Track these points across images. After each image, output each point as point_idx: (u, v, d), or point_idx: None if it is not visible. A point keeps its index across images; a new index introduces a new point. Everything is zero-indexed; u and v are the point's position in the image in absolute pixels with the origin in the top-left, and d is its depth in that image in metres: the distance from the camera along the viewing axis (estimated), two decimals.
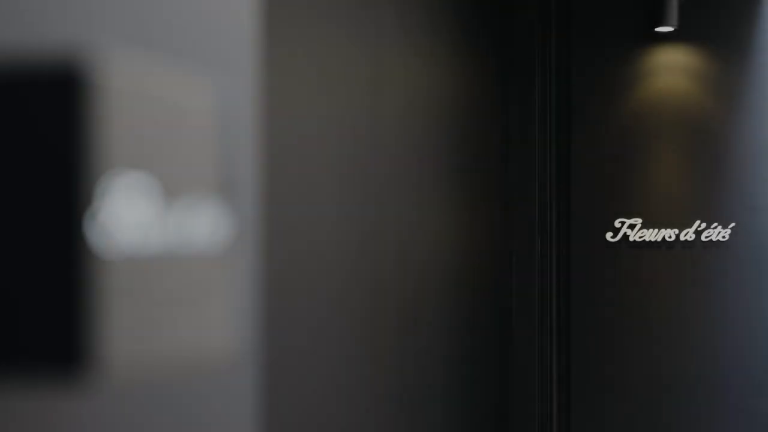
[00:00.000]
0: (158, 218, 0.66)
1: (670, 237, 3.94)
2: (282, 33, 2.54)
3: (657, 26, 3.90)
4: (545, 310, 3.99)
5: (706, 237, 3.87)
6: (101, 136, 0.61)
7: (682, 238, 3.93)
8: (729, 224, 3.90)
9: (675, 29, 3.92)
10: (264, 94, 2.38)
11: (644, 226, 3.87)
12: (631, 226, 3.85)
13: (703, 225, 3.84)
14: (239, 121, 0.91)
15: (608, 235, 3.95)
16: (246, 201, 0.94)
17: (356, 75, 2.89)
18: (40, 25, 0.70)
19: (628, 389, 3.96)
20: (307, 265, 2.66)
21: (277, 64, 2.49)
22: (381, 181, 2.98)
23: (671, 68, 3.98)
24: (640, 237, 3.94)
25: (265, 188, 2.42)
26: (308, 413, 2.69)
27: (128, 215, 0.63)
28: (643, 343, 3.94)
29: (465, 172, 3.52)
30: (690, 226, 3.90)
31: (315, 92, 2.71)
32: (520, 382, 3.94)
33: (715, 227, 3.84)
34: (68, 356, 0.60)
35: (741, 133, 3.94)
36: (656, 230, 3.90)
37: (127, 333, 0.64)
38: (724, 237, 3.87)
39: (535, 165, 3.99)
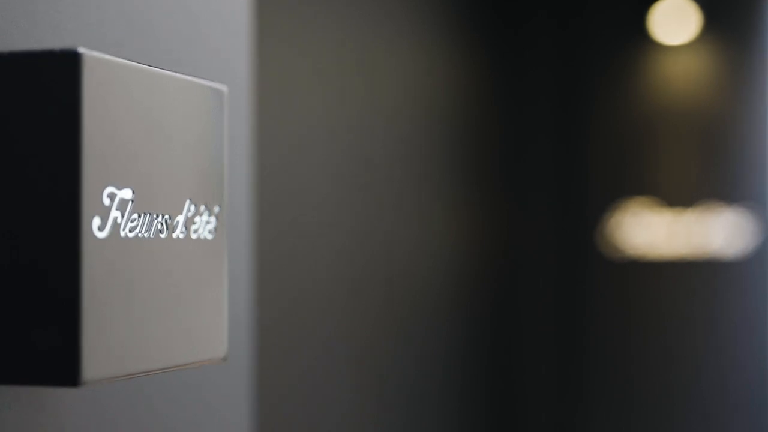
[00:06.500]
0: (158, 217, 0.66)
1: (680, 250, 3.93)
2: (274, 29, 2.54)
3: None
4: (549, 313, 3.98)
5: (721, 252, 3.85)
6: (97, 138, 0.61)
7: (691, 257, 3.92)
8: (738, 203, 3.87)
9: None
10: (256, 92, 2.38)
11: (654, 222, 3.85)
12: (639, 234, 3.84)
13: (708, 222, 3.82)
14: (234, 121, 0.91)
15: (614, 238, 3.95)
16: (240, 200, 0.94)
17: (352, 71, 2.89)
18: (34, 28, 0.70)
19: (635, 400, 3.96)
20: (303, 263, 2.65)
21: (268, 62, 2.49)
22: (379, 179, 2.98)
23: (678, 61, 3.98)
24: (648, 252, 3.92)
25: (259, 186, 2.42)
26: (302, 412, 2.69)
27: (130, 215, 0.63)
28: (653, 352, 3.93)
29: (465, 171, 3.51)
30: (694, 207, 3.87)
31: (308, 90, 2.70)
32: (525, 388, 3.93)
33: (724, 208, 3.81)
34: (62, 353, 0.60)
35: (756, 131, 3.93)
36: (665, 221, 3.88)
37: (123, 330, 0.64)
38: (741, 248, 3.85)
39: (536, 164, 3.98)
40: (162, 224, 0.67)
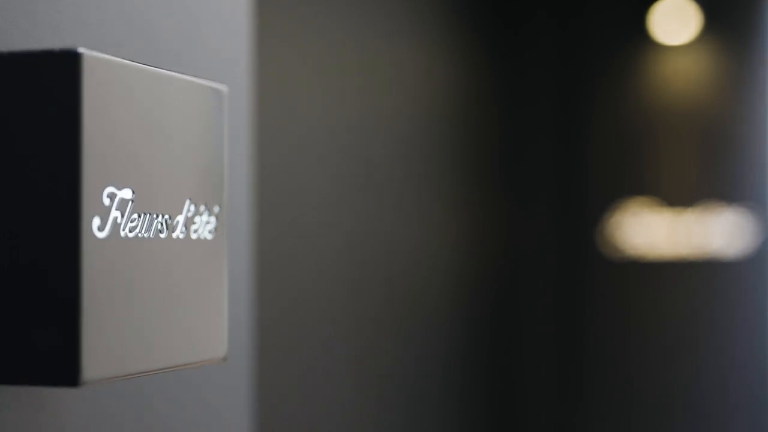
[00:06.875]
0: (158, 217, 0.66)
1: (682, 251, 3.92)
2: (274, 29, 2.54)
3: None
4: (549, 313, 3.98)
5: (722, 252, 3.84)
6: (97, 138, 0.61)
7: (691, 257, 3.91)
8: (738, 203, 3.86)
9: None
10: (256, 92, 2.38)
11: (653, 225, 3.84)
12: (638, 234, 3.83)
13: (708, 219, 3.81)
14: (234, 121, 0.91)
15: (614, 238, 3.94)
16: (240, 200, 0.94)
17: (352, 71, 2.88)
18: (34, 28, 0.70)
19: (635, 400, 3.95)
20: (303, 263, 2.65)
21: (268, 62, 2.49)
22: (379, 179, 2.98)
23: (678, 61, 3.97)
24: (648, 251, 3.91)
25: (259, 186, 2.42)
26: (302, 412, 2.69)
27: (130, 215, 0.63)
28: (653, 352, 3.93)
29: (465, 171, 3.51)
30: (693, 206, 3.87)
31: (308, 90, 2.70)
32: (525, 388, 3.93)
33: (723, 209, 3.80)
34: (62, 353, 0.60)
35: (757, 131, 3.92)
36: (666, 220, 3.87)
37: (123, 330, 0.64)
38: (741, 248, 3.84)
39: (536, 164, 3.98)
40: (162, 224, 0.67)
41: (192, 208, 0.71)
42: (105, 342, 0.62)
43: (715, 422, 3.85)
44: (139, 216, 0.65)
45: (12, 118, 0.61)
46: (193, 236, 0.71)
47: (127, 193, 0.64)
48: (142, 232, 0.65)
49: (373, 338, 2.96)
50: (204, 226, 0.72)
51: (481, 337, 3.65)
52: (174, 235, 0.68)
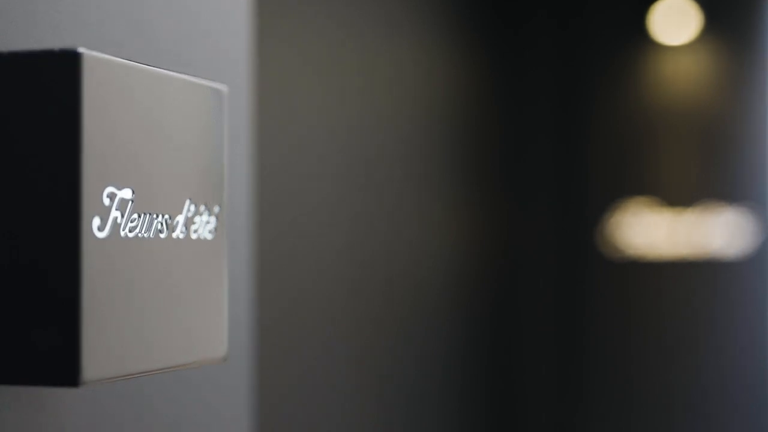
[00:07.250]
0: (158, 217, 0.66)
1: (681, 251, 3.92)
2: (274, 29, 2.54)
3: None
4: (549, 313, 3.98)
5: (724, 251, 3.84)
6: (97, 138, 0.61)
7: (691, 257, 3.90)
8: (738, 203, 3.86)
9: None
10: (256, 92, 2.38)
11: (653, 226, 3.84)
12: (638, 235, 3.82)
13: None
14: (234, 121, 0.91)
15: (614, 238, 3.94)
16: (240, 200, 0.94)
17: (352, 71, 2.88)
18: (34, 28, 0.70)
19: (635, 400, 3.95)
20: (303, 263, 2.65)
21: (268, 62, 2.49)
22: (379, 179, 2.98)
23: (678, 61, 3.97)
24: (648, 251, 3.90)
25: (259, 186, 2.42)
26: (302, 412, 2.69)
27: (130, 215, 0.63)
28: (653, 352, 3.92)
29: (465, 171, 3.51)
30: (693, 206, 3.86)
31: (308, 90, 2.70)
32: (525, 388, 3.93)
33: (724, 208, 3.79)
34: (62, 353, 0.60)
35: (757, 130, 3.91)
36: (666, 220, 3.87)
37: (123, 330, 0.64)
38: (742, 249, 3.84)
39: (536, 164, 3.98)
40: (162, 224, 0.67)
41: (192, 208, 0.71)
42: (105, 342, 0.62)
43: (715, 422, 3.85)
44: (139, 216, 0.65)
45: (12, 118, 0.61)
46: (193, 236, 0.71)
47: (127, 193, 0.64)
48: (142, 232, 0.65)
49: (373, 338, 2.95)
50: (204, 226, 0.72)
51: (481, 337, 3.65)
52: (174, 235, 0.68)
